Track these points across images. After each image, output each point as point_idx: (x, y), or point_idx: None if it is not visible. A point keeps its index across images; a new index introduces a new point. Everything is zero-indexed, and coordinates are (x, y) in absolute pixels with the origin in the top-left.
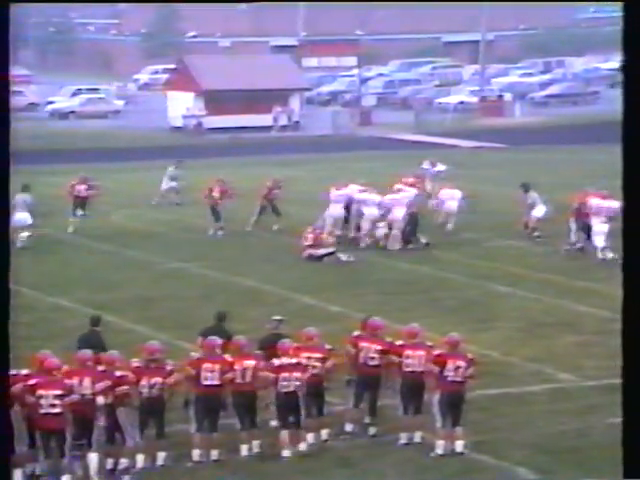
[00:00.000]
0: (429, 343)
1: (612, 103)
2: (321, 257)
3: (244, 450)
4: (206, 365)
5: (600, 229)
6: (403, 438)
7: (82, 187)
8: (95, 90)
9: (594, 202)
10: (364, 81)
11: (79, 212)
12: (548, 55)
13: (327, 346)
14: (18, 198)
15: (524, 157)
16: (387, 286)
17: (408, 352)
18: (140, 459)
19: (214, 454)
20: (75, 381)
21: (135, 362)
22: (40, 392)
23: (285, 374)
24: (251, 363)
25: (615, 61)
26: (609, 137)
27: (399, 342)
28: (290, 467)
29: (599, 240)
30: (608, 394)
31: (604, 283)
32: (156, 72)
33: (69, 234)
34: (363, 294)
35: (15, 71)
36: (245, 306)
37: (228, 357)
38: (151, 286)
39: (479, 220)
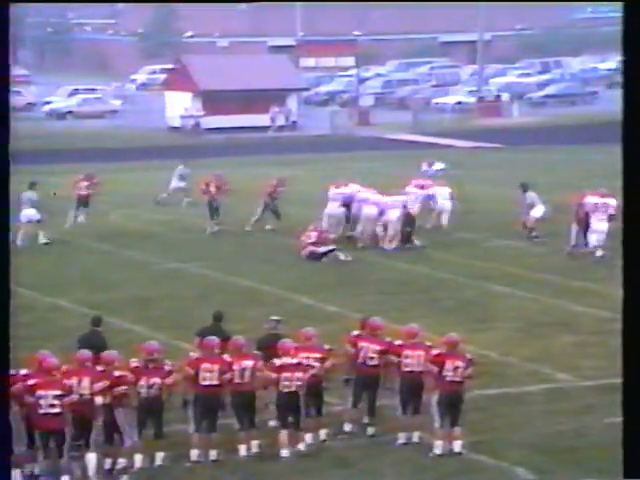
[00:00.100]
0: (428, 343)
1: (610, 103)
2: (322, 255)
3: (243, 450)
4: (205, 365)
5: (597, 227)
6: (401, 438)
7: (84, 184)
8: (92, 90)
9: (592, 200)
10: (362, 81)
11: (81, 210)
12: (546, 55)
13: (326, 346)
14: (24, 196)
15: (522, 157)
16: (385, 286)
17: (407, 352)
18: (138, 459)
19: (213, 454)
20: (74, 381)
21: (133, 362)
22: (39, 392)
23: (287, 374)
24: (249, 363)
25: (613, 61)
26: (607, 137)
27: (398, 342)
28: (288, 467)
29: (593, 238)
30: (606, 394)
31: (602, 283)
32: (154, 72)
33: (68, 234)
34: (361, 294)
35: (14, 71)
36: (243, 306)
37: (227, 357)
38: (149, 286)
39: (477, 220)
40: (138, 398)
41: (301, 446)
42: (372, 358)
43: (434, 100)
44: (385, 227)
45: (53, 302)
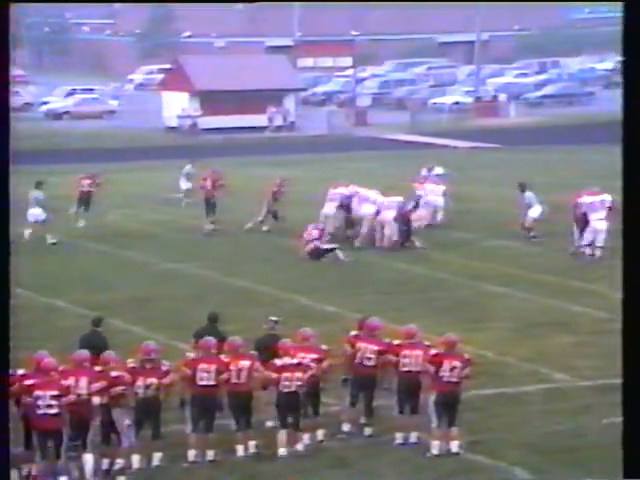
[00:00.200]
0: (426, 343)
1: (607, 103)
2: (325, 251)
3: (240, 450)
4: (202, 365)
5: (595, 226)
6: (399, 438)
7: (87, 182)
8: (90, 90)
9: (587, 200)
10: (359, 81)
11: (81, 210)
12: (543, 55)
13: (323, 347)
14: (30, 195)
15: (519, 157)
16: (383, 286)
17: (405, 352)
18: (136, 459)
19: (210, 454)
20: (71, 381)
21: (131, 362)
22: (37, 392)
23: (287, 374)
24: (246, 363)
25: (610, 61)
26: (605, 137)
27: (396, 342)
28: (286, 467)
29: (588, 236)
30: (603, 394)
31: (599, 283)
32: (151, 72)
33: (66, 235)
34: (359, 294)
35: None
36: (241, 306)
37: (224, 357)
38: (147, 287)
39: (474, 220)
40: (135, 398)
41: (299, 446)
42: (370, 358)
43: (431, 100)
44: (382, 227)
45: (51, 302)
